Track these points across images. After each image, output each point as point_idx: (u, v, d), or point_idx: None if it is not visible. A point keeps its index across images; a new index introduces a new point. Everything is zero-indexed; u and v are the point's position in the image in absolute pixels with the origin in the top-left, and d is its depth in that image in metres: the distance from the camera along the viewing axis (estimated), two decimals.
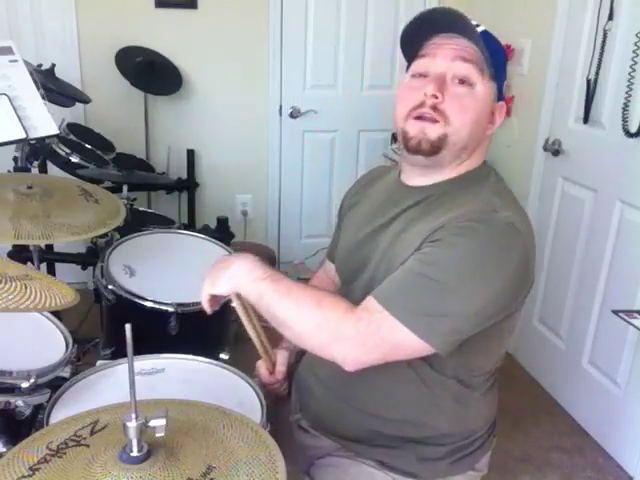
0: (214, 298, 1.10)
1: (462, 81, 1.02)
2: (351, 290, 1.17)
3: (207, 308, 1.11)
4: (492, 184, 1.09)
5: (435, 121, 1.02)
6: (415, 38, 1.06)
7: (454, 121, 1.02)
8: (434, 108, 1.02)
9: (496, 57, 1.04)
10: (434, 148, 1.03)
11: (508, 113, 2.79)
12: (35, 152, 2.03)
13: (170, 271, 1.69)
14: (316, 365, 1.22)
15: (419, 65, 1.06)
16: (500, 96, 1.07)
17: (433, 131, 1.02)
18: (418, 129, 1.03)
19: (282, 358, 1.28)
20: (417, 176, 1.12)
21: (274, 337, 1.22)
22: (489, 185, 1.08)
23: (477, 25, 1.04)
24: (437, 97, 1.01)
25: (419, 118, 1.03)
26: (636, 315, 1.71)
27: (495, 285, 0.97)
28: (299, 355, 1.34)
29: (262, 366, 1.28)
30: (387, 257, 1.08)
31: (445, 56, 1.03)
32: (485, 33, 1.05)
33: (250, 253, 1.09)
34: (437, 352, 0.96)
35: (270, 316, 1.01)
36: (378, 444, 1.15)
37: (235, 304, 1.10)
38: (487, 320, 0.99)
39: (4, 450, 1.09)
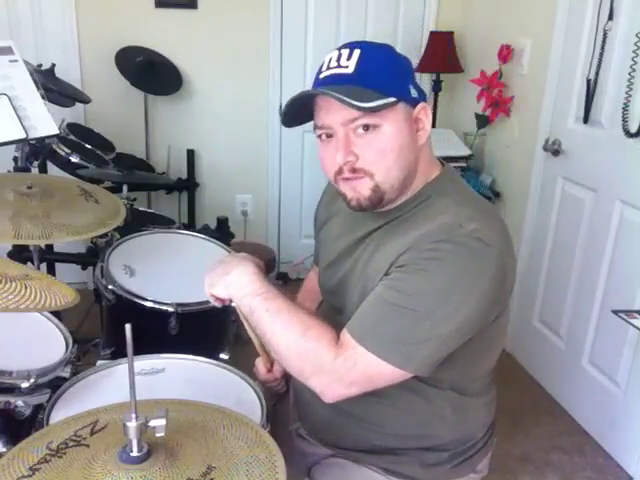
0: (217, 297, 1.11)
1: (366, 127, 0.98)
2: (334, 307, 1.17)
3: (213, 302, 1.13)
4: (455, 193, 1.05)
5: (361, 178, 1.01)
6: (301, 111, 1.03)
7: (377, 170, 1.00)
8: (353, 170, 1.01)
9: (384, 77, 0.98)
10: (374, 201, 1.03)
11: (508, 113, 2.79)
12: (35, 152, 2.03)
13: (170, 271, 1.69)
14: None
15: (321, 131, 1.03)
16: (415, 100, 1.01)
17: (364, 188, 1.01)
18: (351, 190, 1.03)
19: None
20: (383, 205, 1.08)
21: None
22: (451, 194, 1.04)
23: (351, 54, 0.98)
24: (349, 160, 1.00)
25: (347, 180, 1.02)
26: (636, 315, 1.71)
27: (469, 304, 0.95)
28: None
29: (260, 363, 1.27)
30: (361, 281, 1.07)
31: (336, 122, 0.99)
32: (362, 62, 0.97)
33: (250, 256, 1.10)
34: (417, 375, 0.98)
35: (259, 332, 1.04)
36: (380, 452, 1.15)
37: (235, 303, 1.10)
38: (466, 336, 0.99)
39: (4, 450, 1.09)
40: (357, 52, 0.98)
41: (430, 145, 1.08)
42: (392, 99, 0.97)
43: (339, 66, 0.99)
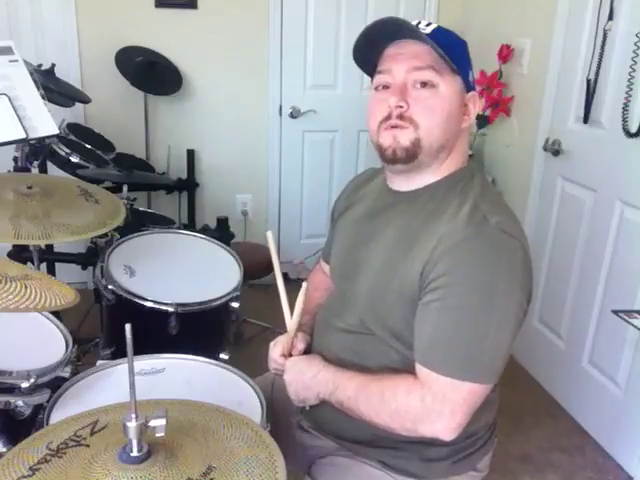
0: None
1: (424, 84, 1.03)
2: (346, 296, 1.18)
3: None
4: (478, 186, 1.08)
5: (405, 128, 1.03)
6: (370, 52, 1.08)
7: (423, 124, 1.03)
8: (401, 117, 1.03)
9: (453, 51, 1.03)
10: (409, 154, 1.04)
11: (508, 113, 2.79)
12: (35, 152, 2.03)
13: (170, 271, 1.69)
14: None
15: (380, 79, 1.07)
16: (469, 86, 1.07)
17: (405, 137, 1.03)
18: (391, 138, 1.04)
19: (303, 339, 1.26)
20: (401, 181, 1.12)
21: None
22: (475, 187, 1.07)
23: (429, 24, 1.05)
24: (402, 106, 1.03)
25: (390, 128, 1.05)
26: (636, 315, 1.71)
27: (515, 298, 0.99)
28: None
29: (280, 343, 1.25)
30: (385, 271, 1.08)
31: (401, 68, 1.03)
32: (437, 31, 1.04)
33: (304, 357, 1.20)
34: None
35: (354, 415, 1.09)
36: (380, 446, 1.15)
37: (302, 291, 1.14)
38: (520, 327, 1.02)
39: (4, 450, 1.09)
40: (434, 25, 1.04)
41: (467, 139, 1.11)
42: (454, 65, 1.02)
43: (417, 28, 1.03)
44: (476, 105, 1.09)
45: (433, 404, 0.99)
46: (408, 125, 1.03)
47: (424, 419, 1.01)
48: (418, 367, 1.02)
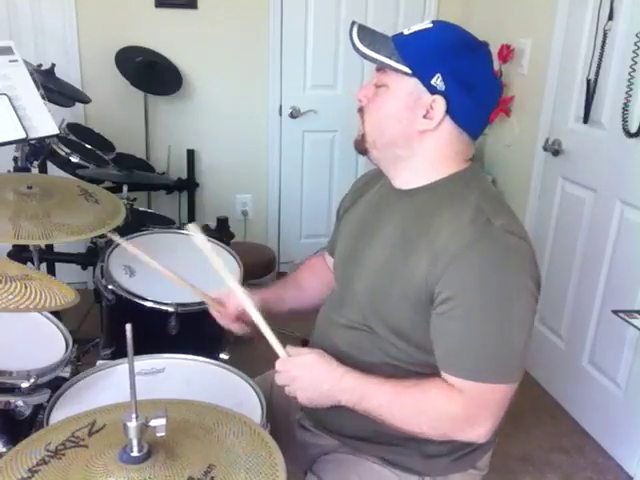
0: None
1: (378, 85, 1.07)
2: (347, 293, 1.18)
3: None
4: (479, 187, 1.07)
5: (360, 121, 1.11)
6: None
7: (367, 119, 1.09)
8: (360, 110, 1.11)
9: (413, 50, 1.02)
10: (360, 147, 1.12)
11: (508, 113, 2.79)
12: (35, 152, 2.03)
13: (170, 271, 1.68)
14: None
15: None
16: (434, 88, 1.01)
17: (359, 132, 1.11)
18: (358, 126, 1.12)
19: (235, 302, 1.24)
20: (398, 179, 1.13)
21: None
22: (476, 189, 1.07)
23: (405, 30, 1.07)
24: (360, 100, 1.10)
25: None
26: (636, 315, 1.71)
27: (528, 290, 1.00)
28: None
29: (212, 309, 1.29)
30: (385, 270, 1.09)
31: (375, 66, 1.08)
32: (400, 37, 1.05)
33: (315, 352, 1.11)
34: None
35: (385, 423, 1.07)
36: (381, 442, 1.15)
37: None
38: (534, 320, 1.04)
39: (4, 450, 1.09)
40: (427, 25, 1.06)
41: (458, 143, 1.07)
42: (405, 68, 1.02)
43: (409, 28, 1.07)
44: (439, 109, 1.02)
45: (473, 411, 1.01)
46: (361, 119, 1.10)
47: (463, 425, 1.03)
48: (449, 377, 1.02)
